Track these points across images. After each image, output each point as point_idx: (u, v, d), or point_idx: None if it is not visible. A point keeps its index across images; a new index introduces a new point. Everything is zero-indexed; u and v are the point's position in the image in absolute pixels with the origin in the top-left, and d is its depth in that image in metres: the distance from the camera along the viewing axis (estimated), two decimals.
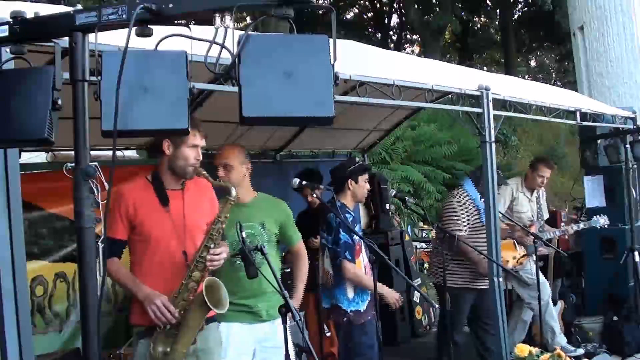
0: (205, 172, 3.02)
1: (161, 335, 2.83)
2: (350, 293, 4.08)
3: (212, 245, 2.90)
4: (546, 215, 6.02)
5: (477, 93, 4.40)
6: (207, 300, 2.78)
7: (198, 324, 2.90)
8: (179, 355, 2.83)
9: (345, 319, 4.06)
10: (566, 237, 5.89)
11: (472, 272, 4.86)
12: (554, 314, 5.66)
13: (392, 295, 4.18)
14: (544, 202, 5.99)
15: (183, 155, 2.94)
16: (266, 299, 3.42)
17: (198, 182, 3.07)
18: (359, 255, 4.14)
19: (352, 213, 4.19)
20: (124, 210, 2.91)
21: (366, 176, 4.26)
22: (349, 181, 4.20)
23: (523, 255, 5.50)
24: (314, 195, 4.21)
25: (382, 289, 4.12)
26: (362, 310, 4.06)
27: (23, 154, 3.84)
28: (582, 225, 5.98)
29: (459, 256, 4.78)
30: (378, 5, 24.22)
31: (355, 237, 4.05)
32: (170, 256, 2.92)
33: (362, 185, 4.21)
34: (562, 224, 7.27)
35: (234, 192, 3.01)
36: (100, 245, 2.21)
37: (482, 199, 4.96)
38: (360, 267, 4.12)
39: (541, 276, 5.43)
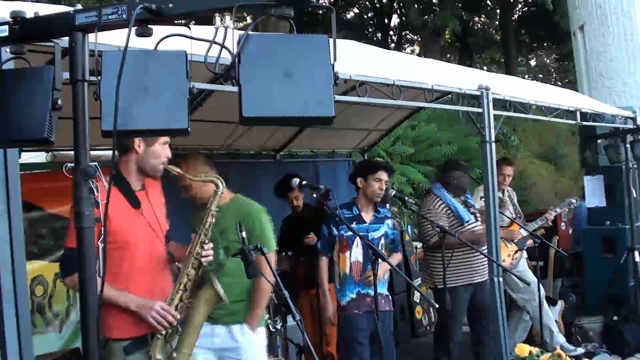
0: (180, 170, 2.92)
1: (160, 342, 2.73)
2: (337, 282, 4.24)
3: (206, 241, 2.84)
4: (521, 214, 6.02)
5: (477, 93, 4.40)
6: (220, 293, 2.76)
7: (203, 320, 2.87)
8: (185, 357, 2.77)
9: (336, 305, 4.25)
10: (550, 223, 5.86)
11: (465, 268, 4.86)
12: (549, 314, 5.66)
13: (327, 311, 4.22)
14: (516, 203, 5.99)
15: (155, 153, 2.82)
16: (222, 306, 3.24)
17: (149, 180, 2.94)
18: (345, 252, 4.19)
19: (354, 211, 4.23)
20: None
21: (378, 175, 4.21)
22: (359, 180, 4.22)
23: (516, 251, 5.50)
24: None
25: (325, 299, 4.19)
26: (342, 305, 4.17)
27: (23, 154, 3.82)
28: (558, 209, 5.93)
29: (462, 247, 4.70)
30: (378, 5, 24.21)
31: (342, 232, 4.15)
32: (152, 260, 2.81)
33: (371, 184, 4.21)
34: (562, 223, 7.27)
35: (221, 185, 2.96)
36: (100, 245, 2.21)
37: (467, 197, 4.99)
38: (345, 262, 4.18)
39: (532, 275, 5.44)
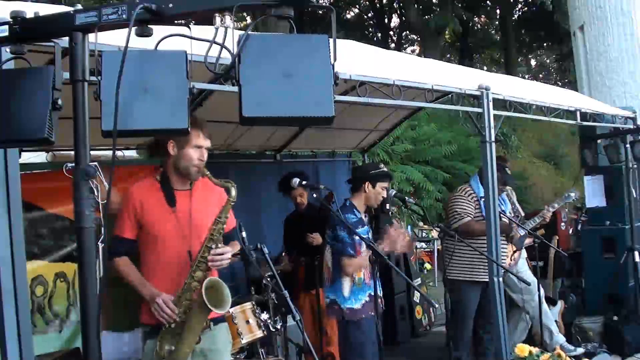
0: (208, 173, 3.03)
1: (167, 334, 2.88)
2: (346, 291, 4.10)
3: (213, 246, 2.92)
4: (522, 213, 6.02)
5: (477, 93, 4.40)
6: (206, 302, 2.78)
7: (200, 324, 2.91)
8: (183, 355, 2.85)
9: (341, 316, 4.10)
10: (547, 220, 5.86)
11: (477, 265, 4.91)
12: (548, 314, 5.66)
13: (393, 241, 4.01)
14: (516, 201, 5.99)
15: (187, 155, 2.98)
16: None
17: (207, 181, 3.08)
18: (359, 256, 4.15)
19: (357, 214, 4.17)
20: (132, 210, 2.98)
21: (385, 184, 4.20)
22: (367, 183, 4.17)
23: (514, 251, 5.51)
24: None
25: (385, 247, 3.99)
26: (355, 308, 4.08)
27: (23, 154, 3.83)
28: (556, 205, 5.90)
29: (469, 239, 4.75)
30: (378, 6, 24.22)
31: (356, 237, 4.05)
32: (176, 256, 2.96)
33: (378, 192, 4.17)
34: (562, 223, 7.28)
35: (233, 192, 2.99)
36: (101, 245, 2.22)
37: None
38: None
39: (532, 276, 5.44)
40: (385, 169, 4.32)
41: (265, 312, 4.33)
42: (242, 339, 4.01)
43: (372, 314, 4.07)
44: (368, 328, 4.06)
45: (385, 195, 4.22)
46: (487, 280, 4.81)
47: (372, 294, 4.09)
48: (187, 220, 2.99)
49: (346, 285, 4.09)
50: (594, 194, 6.68)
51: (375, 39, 23.39)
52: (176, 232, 2.96)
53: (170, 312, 2.84)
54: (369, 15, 25.23)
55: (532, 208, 9.54)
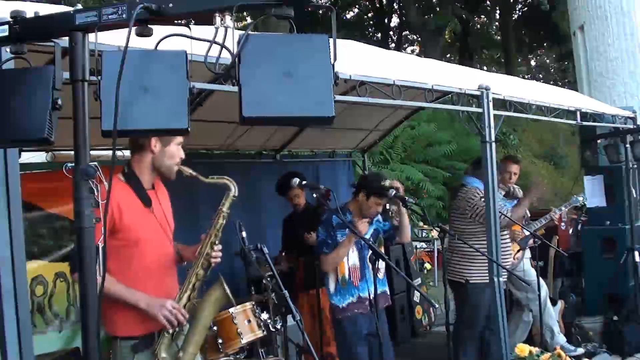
0: (193, 172, 2.89)
1: (166, 341, 2.74)
2: (332, 287, 4.19)
3: (216, 242, 2.85)
4: (528, 213, 6.00)
5: (477, 93, 4.40)
6: (229, 294, 2.76)
7: (210, 321, 2.89)
8: (191, 357, 2.78)
9: (332, 308, 4.21)
10: (555, 222, 5.84)
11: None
12: (552, 313, 5.65)
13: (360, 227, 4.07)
14: None
15: (170, 153, 2.83)
16: None
17: (157, 180, 2.95)
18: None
19: (348, 216, 4.17)
20: (108, 214, 2.61)
21: (381, 201, 4.12)
22: (362, 193, 4.17)
23: (518, 251, 5.50)
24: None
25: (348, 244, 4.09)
26: (340, 307, 4.13)
27: (23, 154, 3.83)
28: (563, 208, 5.91)
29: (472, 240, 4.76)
30: (378, 6, 24.22)
31: (339, 237, 4.09)
32: (161, 258, 2.83)
33: (370, 205, 4.12)
34: (562, 223, 7.27)
35: (233, 188, 2.93)
36: (101, 245, 2.22)
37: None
38: (344, 266, 4.15)
39: (535, 275, 5.43)
40: (385, 187, 4.17)
41: (265, 312, 4.33)
42: (242, 338, 4.00)
43: (361, 312, 4.10)
44: (360, 323, 4.10)
45: (379, 211, 4.19)
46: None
47: (364, 296, 4.11)
48: (164, 220, 2.87)
49: (331, 281, 4.19)
50: (594, 194, 6.68)
51: (375, 39, 23.37)
52: (158, 233, 2.82)
53: (182, 317, 2.70)
54: (369, 15, 25.23)
55: (532, 209, 9.53)
